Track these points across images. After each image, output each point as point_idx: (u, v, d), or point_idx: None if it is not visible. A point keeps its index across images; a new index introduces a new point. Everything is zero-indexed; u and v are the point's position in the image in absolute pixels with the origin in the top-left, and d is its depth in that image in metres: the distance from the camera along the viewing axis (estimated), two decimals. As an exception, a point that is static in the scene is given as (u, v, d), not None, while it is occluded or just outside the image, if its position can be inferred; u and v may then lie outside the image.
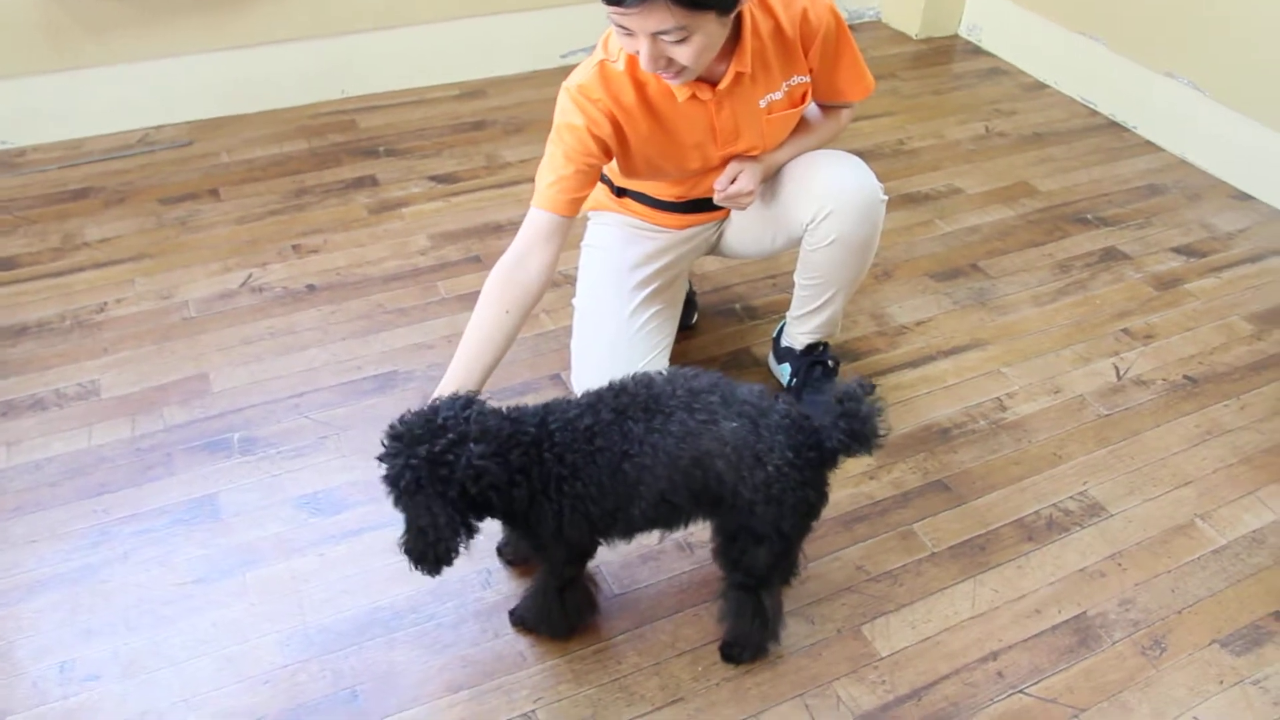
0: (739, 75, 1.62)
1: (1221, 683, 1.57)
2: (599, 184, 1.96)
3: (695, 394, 1.39)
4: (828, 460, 1.40)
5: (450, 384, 1.52)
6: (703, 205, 1.87)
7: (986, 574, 1.74)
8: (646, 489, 1.37)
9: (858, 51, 1.77)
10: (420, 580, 1.67)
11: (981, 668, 1.58)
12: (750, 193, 1.75)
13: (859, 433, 1.36)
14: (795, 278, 1.92)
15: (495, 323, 1.56)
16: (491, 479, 1.30)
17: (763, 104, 1.70)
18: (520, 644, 1.59)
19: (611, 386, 1.41)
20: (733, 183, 1.74)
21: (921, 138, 3.11)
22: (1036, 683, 1.56)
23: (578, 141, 1.60)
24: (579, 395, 1.43)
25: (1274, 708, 1.54)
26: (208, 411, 2.01)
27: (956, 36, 3.80)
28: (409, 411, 1.35)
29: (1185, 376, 2.20)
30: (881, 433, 1.38)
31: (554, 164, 1.61)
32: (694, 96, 1.63)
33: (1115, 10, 3.17)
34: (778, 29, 1.65)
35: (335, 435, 1.96)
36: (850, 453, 1.38)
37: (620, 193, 1.91)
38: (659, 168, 1.74)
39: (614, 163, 1.72)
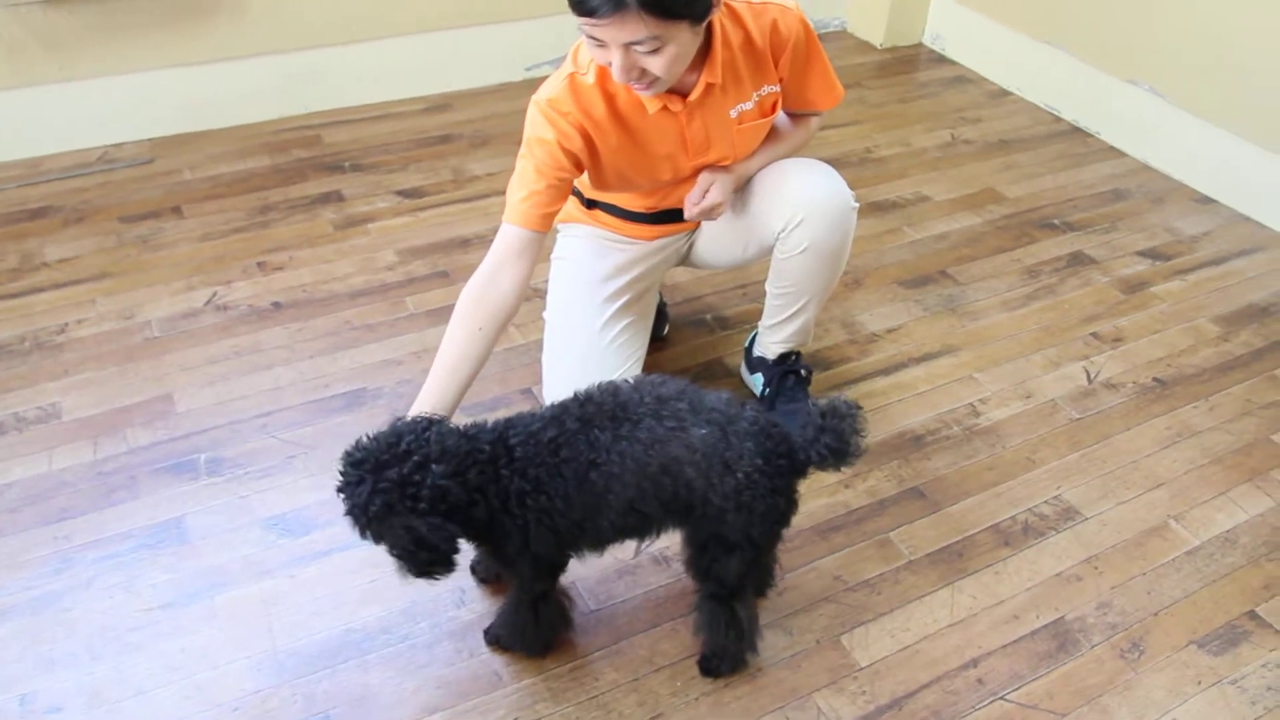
0: (710, 86, 1.61)
1: (1200, 683, 1.58)
2: (570, 195, 1.95)
3: (663, 401, 1.37)
4: (798, 469, 1.39)
5: (424, 403, 1.50)
6: (673, 216, 1.86)
7: (964, 581, 1.73)
8: (615, 498, 1.35)
9: (827, 61, 1.77)
10: (392, 600, 1.64)
11: (962, 675, 1.57)
12: (721, 205, 1.74)
13: (839, 450, 1.35)
14: (767, 287, 1.91)
15: (469, 340, 1.54)
16: (453, 499, 1.28)
17: (733, 114, 1.69)
18: (496, 663, 1.57)
19: (577, 396, 1.40)
20: (705, 196, 1.73)
21: (888, 146, 3.12)
22: (1017, 689, 1.56)
23: (548, 155, 1.58)
24: (544, 408, 1.42)
25: (1252, 707, 1.55)
26: (173, 433, 1.97)
27: (920, 45, 3.83)
28: (365, 436, 1.32)
29: (1154, 379, 2.21)
30: (861, 451, 1.37)
31: (525, 179, 1.60)
32: (665, 108, 1.62)
33: (1077, 19, 3.21)
34: (748, 40, 1.64)
35: (303, 454, 1.93)
36: (826, 467, 1.38)
37: (590, 204, 1.90)
38: (630, 180, 1.73)
39: (585, 175, 1.71)
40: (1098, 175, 3.02)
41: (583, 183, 1.83)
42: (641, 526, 1.42)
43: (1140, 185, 2.98)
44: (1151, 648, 1.63)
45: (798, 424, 1.38)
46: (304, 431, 1.99)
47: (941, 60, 3.72)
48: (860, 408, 1.39)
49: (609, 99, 1.60)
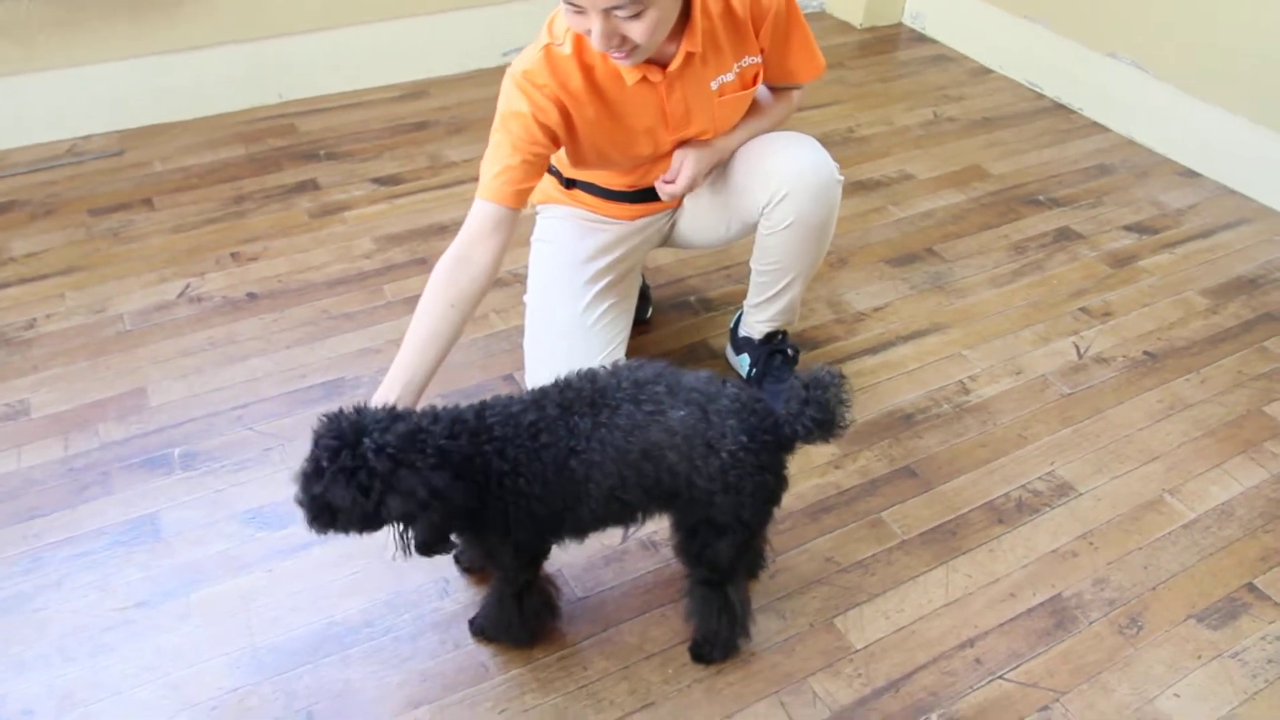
0: (690, 55, 1.57)
1: (1200, 658, 1.55)
2: (547, 176, 1.91)
3: (640, 385, 1.33)
4: (785, 444, 1.35)
5: (393, 384, 1.45)
6: (654, 194, 1.82)
7: (958, 559, 1.70)
8: (595, 487, 1.31)
9: (809, 31, 1.73)
10: (374, 592, 1.60)
11: (959, 655, 1.54)
12: (692, 182, 1.70)
13: (824, 421, 1.32)
14: (751, 264, 1.87)
15: (440, 318, 1.50)
16: (455, 462, 1.24)
17: (714, 86, 1.65)
18: (482, 654, 1.53)
19: (557, 383, 1.36)
20: (677, 175, 1.70)
21: (870, 125, 3.09)
22: (1015, 668, 1.53)
23: (524, 130, 1.54)
24: (523, 393, 1.38)
25: (1253, 680, 1.52)
26: (146, 427, 1.92)
27: (900, 25, 3.79)
28: (322, 420, 1.27)
29: (1145, 352, 2.19)
30: (847, 422, 1.34)
31: (499, 154, 1.55)
32: (644, 79, 1.58)
33: (1057, -8, 3.18)
34: (728, 9, 1.60)
35: (280, 446, 1.88)
36: (813, 440, 1.34)
37: (569, 184, 1.85)
38: (608, 156, 1.69)
39: (562, 152, 1.66)
40: (1082, 151, 2.99)
41: (561, 161, 1.79)
42: (624, 514, 1.39)
43: (1125, 160, 2.95)
44: (1150, 623, 1.60)
45: (781, 397, 1.35)
46: (281, 423, 1.94)
47: (922, 39, 3.69)
48: (844, 376, 1.35)
49: (586, 71, 1.56)
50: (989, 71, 3.46)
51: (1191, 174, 2.89)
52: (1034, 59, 3.33)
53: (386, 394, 1.43)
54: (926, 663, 1.53)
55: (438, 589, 1.62)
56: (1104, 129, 3.11)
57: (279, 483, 1.80)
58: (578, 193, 1.85)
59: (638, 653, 1.54)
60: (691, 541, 1.40)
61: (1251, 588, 1.67)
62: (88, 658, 1.50)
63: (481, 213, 1.54)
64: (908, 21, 3.80)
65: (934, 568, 1.68)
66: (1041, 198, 2.74)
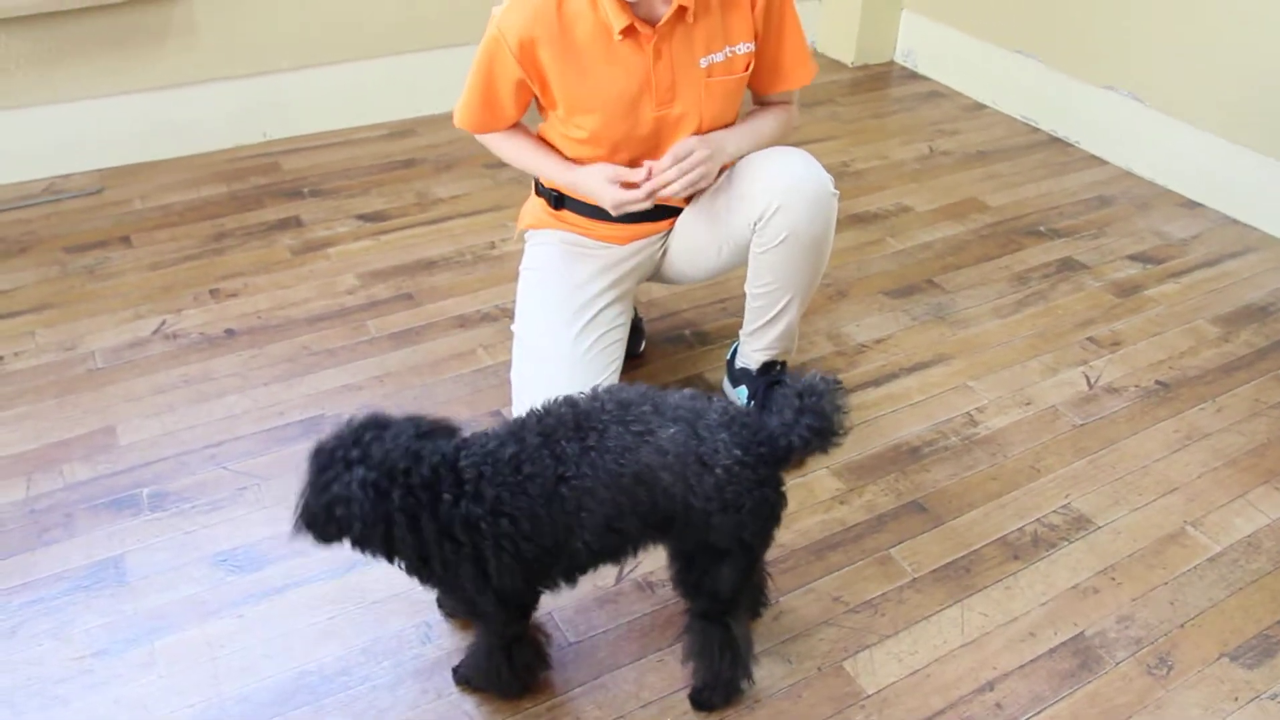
0: (682, 11, 1.56)
1: (1237, 699, 1.45)
2: (535, 198, 1.84)
3: (625, 406, 1.25)
4: (782, 456, 1.26)
5: (558, 170, 1.70)
6: (644, 214, 1.76)
7: (973, 597, 1.60)
8: (589, 516, 1.22)
9: (801, 29, 1.69)
10: (351, 639, 1.50)
11: (978, 699, 1.44)
12: (702, 166, 1.64)
13: (821, 429, 1.23)
14: (746, 288, 1.79)
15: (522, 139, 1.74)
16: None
17: (703, 64, 1.62)
18: (466, 704, 1.42)
19: (533, 412, 1.27)
20: (688, 157, 1.64)
21: (865, 160, 3.04)
22: (1039, 712, 1.42)
23: (502, 62, 1.60)
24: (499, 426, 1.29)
25: (1294, 724, 1.42)
26: (114, 467, 1.82)
27: (892, 63, 3.77)
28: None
29: (1157, 382, 2.11)
30: (845, 429, 1.25)
31: (471, 89, 1.67)
32: (632, 30, 1.56)
33: (1049, 27, 3.15)
34: None
35: (256, 485, 1.79)
36: (810, 450, 1.25)
37: (558, 204, 1.78)
38: (586, 106, 1.64)
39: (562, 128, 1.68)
40: (1080, 183, 2.94)
41: (548, 170, 1.77)
42: (619, 547, 1.29)
43: (1125, 191, 2.90)
44: (1181, 662, 1.50)
45: (774, 407, 1.26)
46: (257, 461, 1.84)
47: (914, 76, 3.66)
48: (840, 382, 1.27)
49: (569, 22, 1.57)
50: (983, 107, 3.42)
51: (1193, 204, 2.84)
52: (1028, 93, 3.30)
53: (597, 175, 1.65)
54: (944, 708, 1.43)
55: (419, 634, 1.52)
56: (1102, 161, 3.07)
57: (253, 523, 1.71)
58: (567, 214, 1.78)
59: (633, 701, 1.43)
60: (690, 570, 1.30)
61: (1285, 624, 1.57)
62: (37, 712, 1.39)
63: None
64: (899, 59, 3.77)
65: (948, 606, 1.59)
66: (1042, 229, 2.68)
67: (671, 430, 1.22)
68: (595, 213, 1.76)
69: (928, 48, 3.64)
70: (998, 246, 2.59)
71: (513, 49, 1.59)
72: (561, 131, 1.70)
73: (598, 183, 1.65)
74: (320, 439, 1.22)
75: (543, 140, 1.77)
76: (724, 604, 1.32)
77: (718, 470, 1.21)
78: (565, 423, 1.24)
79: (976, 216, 2.73)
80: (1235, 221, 2.76)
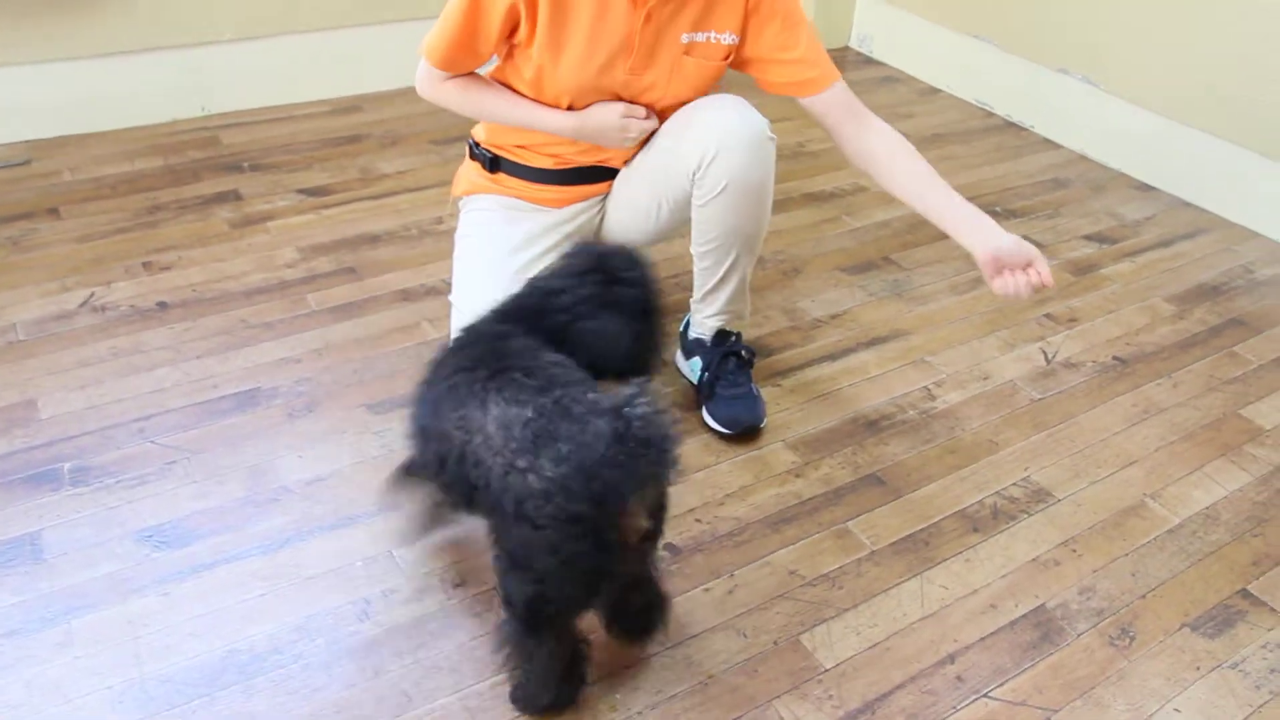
0: None
1: (1198, 669, 1.42)
2: (471, 162, 1.78)
3: None
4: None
5: (557, 114, 1.62)
6: (582, 176, 1.70)
7: (933, 570, 1.56)
8: None
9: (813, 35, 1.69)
10: (284, 616, 1.42)
11: (939, 673, 1.40)
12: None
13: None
14: (692, 249, 1.73)
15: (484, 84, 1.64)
16: None
17: (684, 39, 1.58)
18: (405, 682, 1.35)
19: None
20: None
21: (821, 140, 2.99)
22: (1001, 684, 1.38)
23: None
24: None
25: (1257, 692, 1.39)
26: (32, 441, 1.72)
27: (848, 48, 3.74)
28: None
29: (1115, 357, 2.09)
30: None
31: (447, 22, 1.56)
32: None
33: (1003, 11, 3.14)
34: None
35: (185, 460, 1.70)
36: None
37: (495, 167, 1.72)
38: (564, 50, 1.58)
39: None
40: (1036, 165, 2.93)
41: (493, 139, 1.67)
42: None
43: (1079, 174, 2.89)
44: (1142, 633, 1.47)
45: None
46: (188, 435, 1.75)
47: (869, 61, 3.63)
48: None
49: None
50: (937, 91, 3.41)
51: (1147, 187, 2.84)
52: (982, 78, 3.28)
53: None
54: (904, 681, 1.38)
55: (356, 611, 1.44)
56: (1056, 145, 3.06)
57: (181, 498, 1.62)
58: (503, 176, 1.72)
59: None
60: None
61: (1246, 594, 1.55)
62: (-57, 694, 1.30)
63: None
64: (855, 45, 3.75)
65: (907, 579, 1.54)
66: (998, 209, 2.66)
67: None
68: (532, 174, 1.70)
69: (883, 33, 3.62)
70: (954, 225, 2.56)
71: None
72: (522, 76, 1.64)
73: (612, 116, 1.62)
74: None
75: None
76: None
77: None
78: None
79: (932, 196, 2.70)
80: (1188, 204, 2.76)
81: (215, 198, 2.52)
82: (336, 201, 2.53)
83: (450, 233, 2.38)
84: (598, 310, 1.29)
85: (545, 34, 1.56)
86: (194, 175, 2.62)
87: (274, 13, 2.90)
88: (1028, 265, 1.51)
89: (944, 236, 2.48)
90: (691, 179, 1.61)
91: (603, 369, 1.28)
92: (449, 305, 1.80)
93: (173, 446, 1.72)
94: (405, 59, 3.17)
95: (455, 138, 2.83)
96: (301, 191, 2.56)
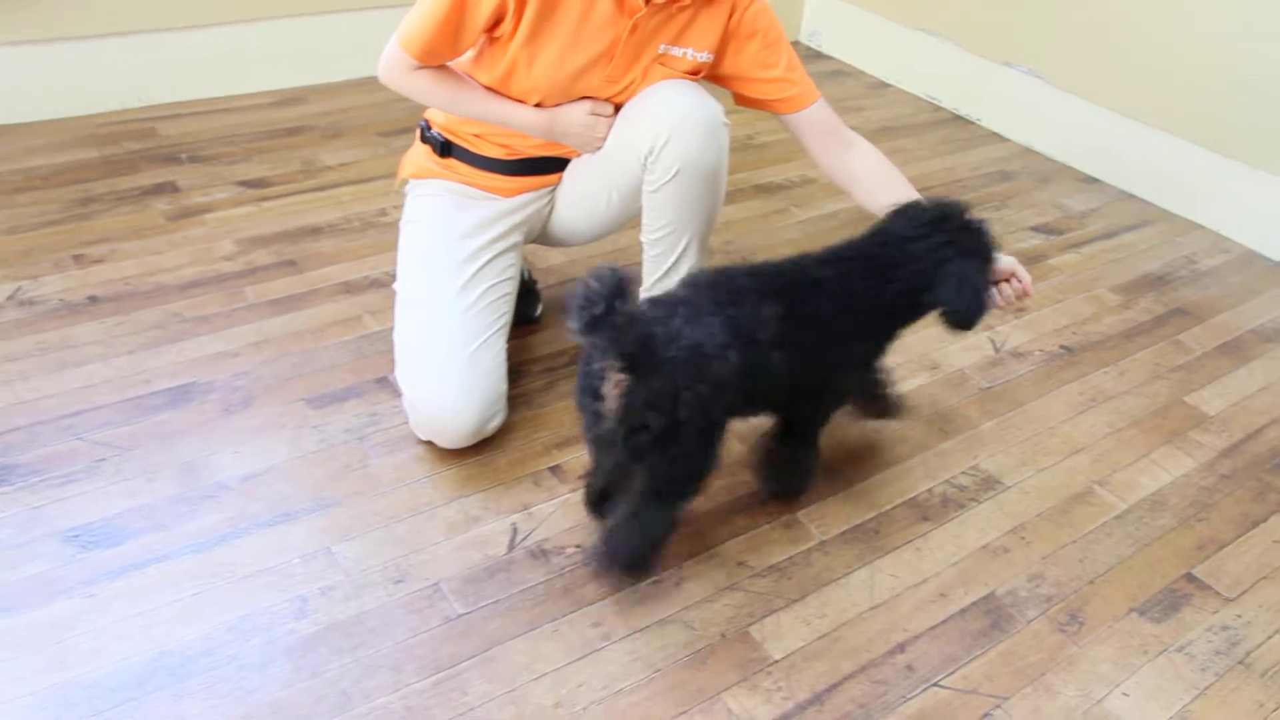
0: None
1: (1146, 653, 1.42)
2: (420, 145, 1.73)
3: None
4: None
5: (528, 112, 1.58)
6: (533, 166, 1.67)
7: (883, 559, 1.55)
8: None
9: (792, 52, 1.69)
10: (217, 616, 1.37)
11: (889, 662, 1.38)
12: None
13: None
14: (642, 238, 1.71)
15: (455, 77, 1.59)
16: None
17: (662, 49, 1.57)
18: (344, 681, 1.30)
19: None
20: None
21: (769, 133, 2.99)
22: (951, 673, 1.37)
23: None
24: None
25: (1202, 674, 1.39)
26: (-47, 439, 1.65)
27: (797, 43, 3.74)
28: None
29: (1061, 346, 2.09)
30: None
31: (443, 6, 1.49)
32: (624, 0, 1.50)
33: (952, 5, 3.15)
34: None
35: (116, 456, 1.64)
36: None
37: (445, 151, 1.68)
38: (544, 50, 1.55)
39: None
40: (984, 158, 2.94)
41: (450, 124, 1.64)
42: None
43: (1025, 167, 2.91)
44: (1091, 618, 1.47)
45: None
46: (119, 432, 1.69)
47: (819, 56, 3.64)
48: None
49: None
50: (887, 85, 3.41)
51: (1091, 180, 2.86)
52: (931, 72, 3.30)
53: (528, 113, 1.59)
54: (854, 671, 1.37)
55: (293, 609, 1.40)
56: (1003, 139, 3.08)
57: (111, 496, 1.56)
58: (453, 162, 1.68)
59: (526, 673, 1.33)
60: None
61: (1191, 577, 1.55)
62: None
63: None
64: (804, 40, 3.75)
65: (857, 569, 1.53)
66: (946, 200, 2.66)
67: None
68: (482, 162, 1.66)
69: (833, 28, 3.62)
70: (903, 217, 2.56)
71: None
72: (492, 71, 1.60)
73: (580, 115, 1.59)
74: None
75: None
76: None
77: None
78: None
79: (882, 188, 2.70)
80: (1132, 196, 2.78)
81: (152, 189, 2.45)
82: (277, 194, 2.47)
83: (394, 225, 2.34)
84: (958, 257, 1.43)
85: (528, 31, 1.52)
86: (130, 166, 2.54)
87: (210, 2, 2.83)
88: (1010, 276, 1.53)
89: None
90: (643, 164, 1.59)
91: (951, 310, 1.46)
92: (393, 294, 1.76)
93: (103, 443, 1.66)
94: (351, 50, 3.13)
95: (402, 129, 2.78)
96: (241, 183, 2.50)
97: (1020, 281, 1.54)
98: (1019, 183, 2.80)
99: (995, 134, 3.10)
